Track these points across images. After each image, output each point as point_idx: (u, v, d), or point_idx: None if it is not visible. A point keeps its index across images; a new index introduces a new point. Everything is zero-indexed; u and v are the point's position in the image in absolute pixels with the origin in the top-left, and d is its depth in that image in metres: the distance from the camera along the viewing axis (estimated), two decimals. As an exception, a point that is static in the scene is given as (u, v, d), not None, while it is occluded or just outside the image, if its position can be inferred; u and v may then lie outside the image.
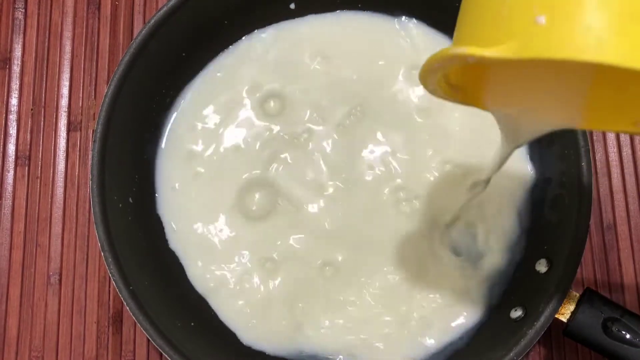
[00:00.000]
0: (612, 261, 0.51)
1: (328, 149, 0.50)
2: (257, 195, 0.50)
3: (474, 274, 0.48)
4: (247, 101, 0.51)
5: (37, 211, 0.52)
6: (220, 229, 0.49)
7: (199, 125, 0.51)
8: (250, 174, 0.50)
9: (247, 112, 0.51)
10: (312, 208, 0.49)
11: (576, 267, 0.43)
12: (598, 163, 0.53)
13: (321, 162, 0.50)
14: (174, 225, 0.49)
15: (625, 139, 0.53)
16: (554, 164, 0.48)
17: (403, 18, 0.52)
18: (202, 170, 0.50)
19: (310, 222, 0.49)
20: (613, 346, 0.42)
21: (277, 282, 0.48)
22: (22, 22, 0.55)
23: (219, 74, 0.52)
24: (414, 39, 0.52)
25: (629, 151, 0.53)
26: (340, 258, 0.48)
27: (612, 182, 0.52)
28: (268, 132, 0.51)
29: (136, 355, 0.49)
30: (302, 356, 0.47)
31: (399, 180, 0.49)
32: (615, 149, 0.53)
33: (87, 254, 0.51)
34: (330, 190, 0.50)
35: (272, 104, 0.51)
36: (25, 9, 0.55)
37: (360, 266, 0.48)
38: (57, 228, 0.51)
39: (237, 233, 0.49)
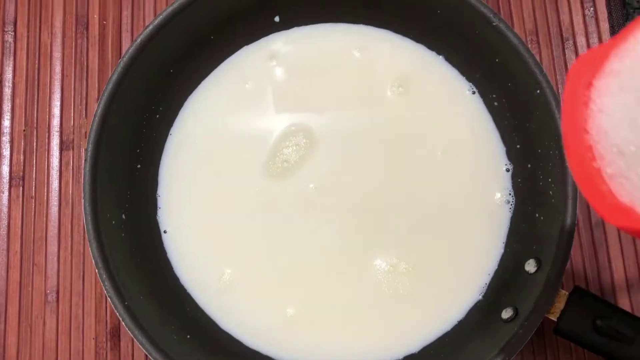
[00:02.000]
0: (601, 258, 0.52)
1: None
2: (253, 210, 0.51)
3: (465, 275, 0.49)
4: (238, 116, 0.52)
5: (32, 230, 0.52)
6: (216, 241, 0.50)
7: (192, 140, 0.52)
8: (248, 188, 0.51)
9: (238, 127, 0.52)
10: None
11: (564, 266, 0.44)
12: (584, 162, 0.53)
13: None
14: (170, 238, 0.50)
15: (610, 137, 0.54)
16: (540, 165, 0.48)
17: (385, 31, 0.53)
18: (200, 183, 0.51)
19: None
20: (602, 343, 0.42)
21: (277, 285, 0.49)
22: (12, 45, 0.55)
23: (208, 89, 0.53)
24: (394, 52, 0.53)
25: (614, 149, 0.54)
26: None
27: (598, 180, 0.53)
28: (261, 149, 0.52)
29: (135, 369, 0.50)
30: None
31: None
32: (601, 148, 0.54)
33: (83, 271, 0.52)
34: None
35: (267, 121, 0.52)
36: (15, 31, 0.56)
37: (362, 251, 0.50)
38: (52, 246, 0.52)
39: (233, 243, 0.50)
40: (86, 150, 0.45)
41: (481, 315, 0.48)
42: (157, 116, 0.51)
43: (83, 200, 0.45)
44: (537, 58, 0.54)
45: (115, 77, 0.47)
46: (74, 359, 0.50)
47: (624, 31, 0.24)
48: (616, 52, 0.23)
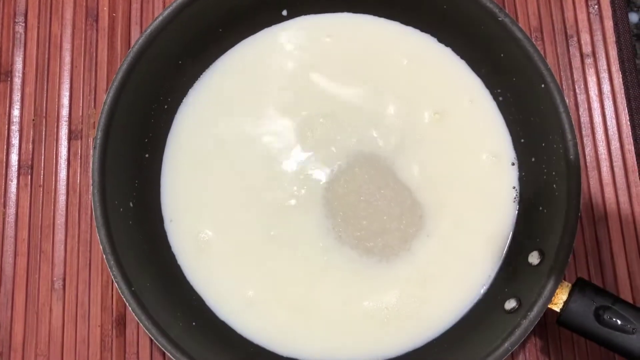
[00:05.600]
0: (604, 253, 0.52)
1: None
2: (258, 199, 0.51)
3: (470, 268, 0.50)
4: (245, 105, 0.53)
5: (40, 219, 0.53)
6: (220, 231, 0.51)
7: (199, 130, 0.52)
8: (253, 177, 0.51)
9: (245, 116, 0.53)
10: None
11: (567, 258, 0.44)
12: (587, 157, 0.54)
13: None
14: (175, 227, 0.51)
15: (613, 133, 0.54)
16: (544, 159, 0.49)
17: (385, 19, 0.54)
18: (204, 173, 0.52)
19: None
20: (605, 333, 0.43)
21: (276, 282, 0.50)
22: (23, 36, 0.56)
23: (215, 81, 0.53)
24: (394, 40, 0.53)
25: (617, 145, 0.54)
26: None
27: (601, 175, 0.53)
28: (265, 136, 0.52)
29: (140, 357, 0.50)
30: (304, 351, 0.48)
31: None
32: (604, 143, 0.54)
33: (90, 260, 0.52)
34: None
35: (269, 109, 0.53)
36: (26, 22, 0.56)
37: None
38: (60, 235, 0.52)
39: (236, 236, 0.50)
40: (95, 138, 0.46)
41: (485, 307, 0.48)
42: (165, 106, 0.52)
43: (92, 187, 0.45)
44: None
45: (124, 66, 0.47)
46: (79, 347, 0.50)
47: None
48: None
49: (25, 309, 0.51)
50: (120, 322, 0.51)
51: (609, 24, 0.56)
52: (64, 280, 0.51)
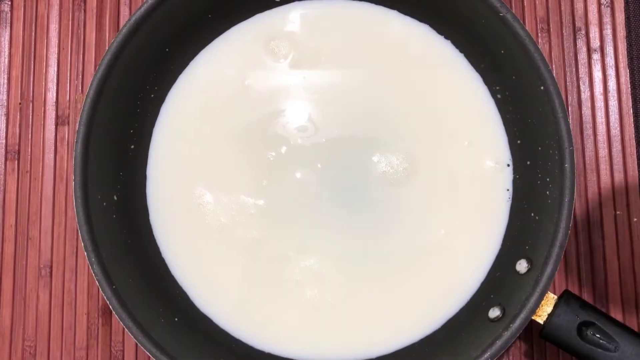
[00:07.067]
0: (597, 260, 0.51)
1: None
2: (246, 189, 0.50)
3: (455, 269, 0.49)
4: (235, 94, 0.51)
5: (27, 205, 0.52)
6: (207, 225, 0.50)
7: (187, 119, 0.51)
8: (242, 169, 0.50)
9: (235, 105, 0.51)
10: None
11: (554, 271, 0.43)
12: (587, 158, 0.52)
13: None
14: (160, 219, 0.50)
15: (615, 135, 0.52)
16: (539, 163, 0.47)
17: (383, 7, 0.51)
18: (192, 165, 0.51)
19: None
20: (587, 350, 0.42)
21: (259, 276, 0.49)
22: (8, 15, 0.54)
23: (205, 68, 0.52)
24: (393, 29, 0.51)
25: (619, 147, 0.52)
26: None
27: (600, 179, 0.52)
28: (253, 123, 0.51)
29: (125, 346, 0.51)
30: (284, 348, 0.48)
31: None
32: (605, 145, 0.52)
33: (77, 247, 0.52)
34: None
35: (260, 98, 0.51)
36: (12, 1, 0.55)
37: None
38: (47, 222, 0.52)
39: (223, 230, 0.50)
40: (78, 131, 0.45)
41: (469, 313, 0.48)
42: (152, 95, 0.50)
43: (74, 184, 0.44)
44: (547, 47, 0.53)
45: (108, 57, 0.46)
46: (66, 333, 0.51)
47: None
48: None
49: (12, 295, 0.52)
50: (106, 311, 0.51)
51: (620, 17, 0.53)
52: (51, 267, 0.52)
